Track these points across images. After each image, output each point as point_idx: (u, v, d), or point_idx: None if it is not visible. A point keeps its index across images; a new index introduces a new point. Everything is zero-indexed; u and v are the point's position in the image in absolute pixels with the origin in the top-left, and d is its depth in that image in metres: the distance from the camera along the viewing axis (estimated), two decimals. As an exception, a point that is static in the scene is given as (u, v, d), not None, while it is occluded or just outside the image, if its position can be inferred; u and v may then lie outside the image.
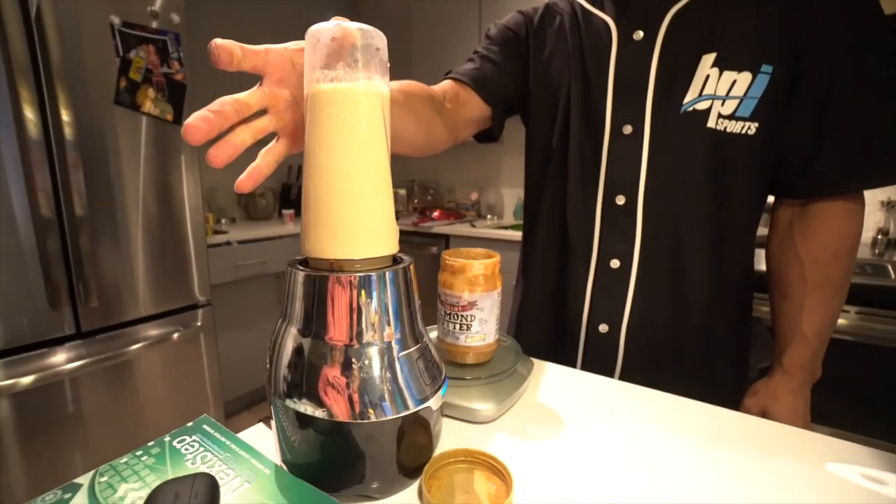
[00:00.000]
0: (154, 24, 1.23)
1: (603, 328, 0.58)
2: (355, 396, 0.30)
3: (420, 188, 2.81)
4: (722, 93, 0.49)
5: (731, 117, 0.49)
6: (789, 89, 0.49)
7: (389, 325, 0.32)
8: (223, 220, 2.21)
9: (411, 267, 0.35)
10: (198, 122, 0.28)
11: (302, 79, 0.32)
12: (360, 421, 0.30)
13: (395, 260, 0.35)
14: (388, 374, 0.31)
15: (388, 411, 0.31)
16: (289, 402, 0.31)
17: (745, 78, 0.48)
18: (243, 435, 0.40)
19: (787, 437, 0.40)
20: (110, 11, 1.16)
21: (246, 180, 0.33)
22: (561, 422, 0.42)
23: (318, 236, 0.31)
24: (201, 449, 0.35)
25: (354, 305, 0.31)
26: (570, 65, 0.58)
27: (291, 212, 2.25)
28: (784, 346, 0.56)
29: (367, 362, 0.31)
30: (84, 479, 0.31)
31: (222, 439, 0.36)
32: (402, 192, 2.83)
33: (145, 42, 1.20)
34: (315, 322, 0.31)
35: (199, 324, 1.52)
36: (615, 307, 0.57)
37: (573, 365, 0.59)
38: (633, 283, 0.55)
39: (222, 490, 0.30)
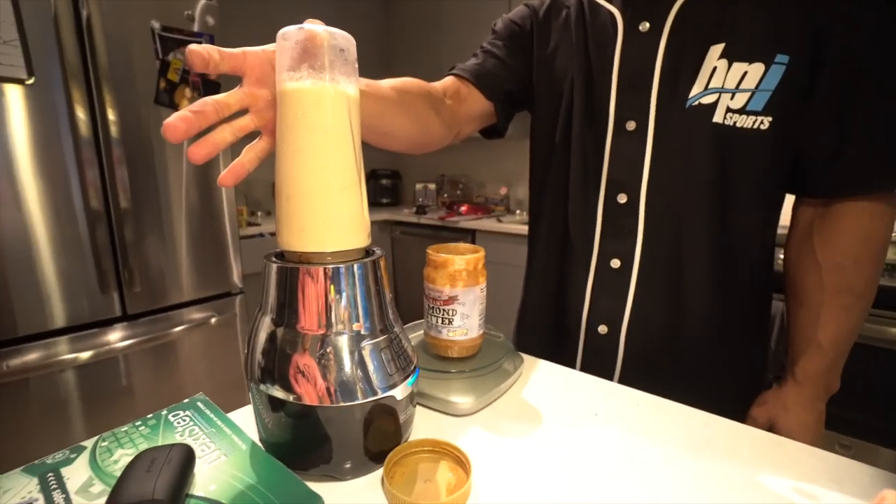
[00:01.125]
0: (191, 28, 1.31)
1: (602, 329, 0.57)
2: (322, 382, 0.32)
3: (449, 182, 2.82)
4: (731, 85, 0.47)
5: (741, 111, 0.47)
6: (808, 81, 0.46)
7: (357, 315, 0.34)
8: (259, 213, 2.32)
9: (381, 260, 0.36)
10: (176, 121, 0.30)
11: None
12: (326, 405, 0.32)
13: (367, 253, 0.37)
14: (355, 362, 0.33)
15: (353, 397, 0.33)
16: (262, 387, 0.33)
17: (756, 69, 0.45)
18: (236, 413, 0.42)
19: (780, 451, 0.38)
20: (151, 17, 1.24)
21: (227, 175, 0.35)
22: (539, 420, 0.43)
23: (289, 231, 0.33)
24: (191, 423, 0.38)
25: (323, 296, 0.33)
26: (574, 59, 0.56)
27: (323, 205, 2.32)
28: (797, 355, 0.54)
29: (334, 350, 0.33)
30: (89, 443, 0.35)
31: (211, 416, 0.39)
32: (432, 186, 2.85)
33: (183, 44, 1.27)
34: (287, 312, 0.33)
35: (235, 310, 1.61)
36: (615, 308, 0.56)
37: (573, 365, 0.59)
38: (634, 284, 0.54)
39: (200, 461, 0.33)
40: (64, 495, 0.29)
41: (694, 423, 0.42)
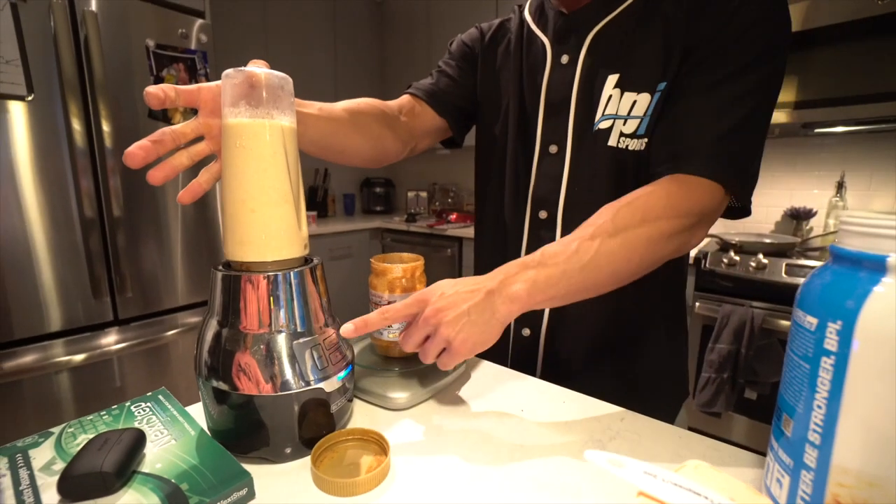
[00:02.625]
0: (186, 45, 1.38)
1: (525, 332, 0.62)
2: (260, 374, 0.37)
3: (441, 191, 2.88)
4: (623, 112, 0.51)
5: (632, 136, 0.51)
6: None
7: (293, 316, 0.39)
8: (254, 220, 2.37)
9: (318, 269, 0.41)
10: (135, 149, 0.36)
11: None
12: (263, 394, 0.37)
13: (306, 261, 0.41)
14: (290, 357, 0.38)
15: (287, 387, 0.37)
16: (208, 381, 0.38)
17: (644, 98, 0.50)
18: (193, 407, 0.47)
19: (682, 442, 0.43)
20: (147, 35, 1.31)
21: (185, 193, 0.40)
22: (469, 414, 0.47)
23: (232, 243, 0.38)
24: (150, 413, 0.42)
25: (265, 300, 0.38)
26: (511, 84, 0.62)
27: (314, 213, 2.37)
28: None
29: (272, 347, 0.37)
30: (56, 429, 0.40)
31: (169, 407, 0.44)
32: (424, 194, 2.91)
33: (176, 61, 1.34)
34: (230, 314, 0.38)
35: (223, 315, 1.66)
36: (535, 313, 0.60)
37: (504, 364, 0.63)
38: None
39: (152, 444, 0.37)
40: (28, 472, 0.34)
41: (611, 419, 0.47)
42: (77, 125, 1.22)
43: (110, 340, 1.37)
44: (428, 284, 0.52)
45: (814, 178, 1.74)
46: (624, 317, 0.58)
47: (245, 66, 0.39)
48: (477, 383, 0.54)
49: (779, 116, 1.45)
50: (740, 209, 0.51)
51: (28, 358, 1.23)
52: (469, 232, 2.13)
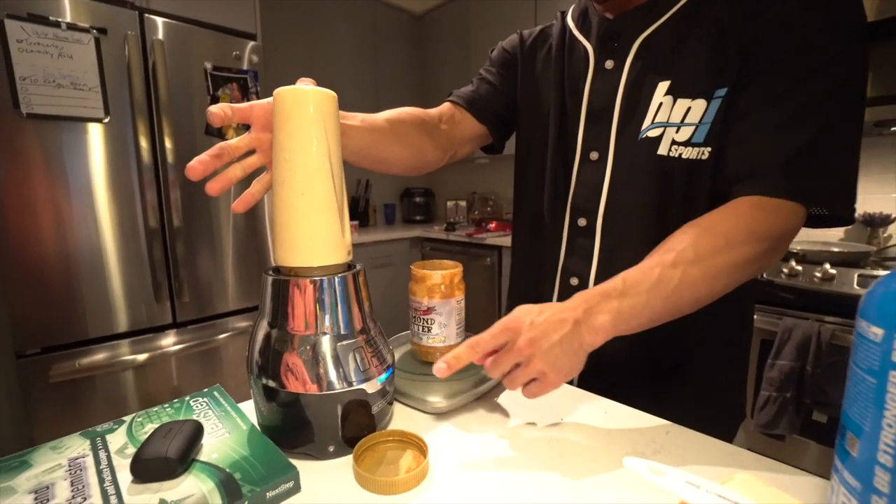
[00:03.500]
0: (239, 66, 1.48)
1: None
2: (304, 374, 0.39)
3: (480, 200, 2.88)
4: (676, 119, 0.50)
5: (686, 143, 0.49)
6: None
7: (337, 319, 0.40)
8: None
9: (361, 274, 0.43)
10: (196, 164, 0.39)
11: None
12: (308, 393, 0.39)
13: (350, 267, 0.43)
14: (333, 359, 0.40)
15: (330, 387, 0.39)
16: (259, 379, 0.40)
17: (699, 105, 0.48)
18: (244, 403, 0.50)
19: (732, 458, 0.41)
20: (205, 59, 1.42)
21: (239, 203, 0.44)
22: (506, 421, 0.47)
23: (281, 249, 0.40)
24: (207, 408, 0.46)
25: (311, 303, 0.40)
26: (551, 90, 0.61)
27: (356, 223, 2.45)
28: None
29: (317, 348, 0.39)
30: (128, 418, 0.44)
31: (223, 403, 0.47)
32: (463, 203, 2.93)
33: (230, 81, 1.44)
34: (279, 316, 0.40)
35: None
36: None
37: None
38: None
39: (208, 435, 0.40)
40: (106, 454, 0.38)
41: (655, 432, 0.45)
42: (144, 143, 1.33)
43: (169, 342, 1.48)
44: (465, 292, 0.53)
45: (891, 180, 1.60)
46: (675, 326, 0.56)
47: (294, 83, 0.42)
48: (516, 391, 0.53)
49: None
50: (838, 217, 0.47)
51: (100, 356, 1.35)
52: (508, 241, 2.12)
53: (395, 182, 3.09)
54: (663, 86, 0.51)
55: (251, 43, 1.55)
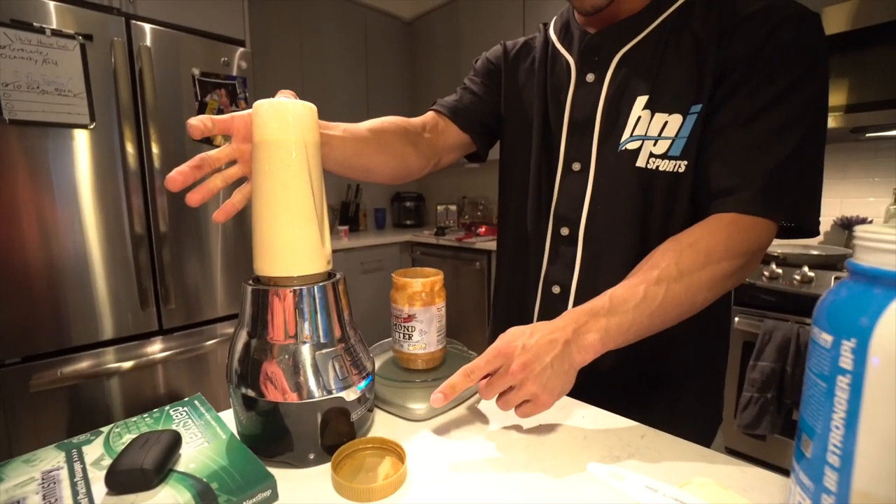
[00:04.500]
0: (227, 72, 1.48)
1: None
2: (284, 383, 0.39)
3: (470, 204, 2.90)
4: (653, 133, 0.51)
5: (663, 156, 0.51)
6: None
7: (317, 328, 0.41)
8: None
9: (340, 284, 0.43)
10: (175, 175, 0.40)
11: None
12: (286, 402, 0.39)
13: (330, 276, 0.44)
14: (312, 367, 0.40)
15: (309, 395, 0.39)
16: (238, 388, 0.41)
17: (675, 120, 0.50)
18: (224, 413, 0.50)
19: (721, 466, 0.41)
20: (194, 65, 1.41)
21: (219, 213, 0.44)
22: (486, 427, 0.48)
23: (260, 259, 0.41)
24: (186, 417, 0.46)
25: (290, 312, 0.40)
26: (534, 102, 0.63)
27: (346, 228, 2.45)
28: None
29: (296, 357, 0.40)
30: (106, 429, 0.44)
31: (203, 412, 0.47)
32: (453, 207, 2.94)
33: (219, 87, 1.44)
34: (259, 326, 0.41)
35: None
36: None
37: None
38: (571, 308, 0.58)
39: (187, 445, 0.40)
40: (81, 465, 0.38)
41: (630, 436, 0.46)
42: (131, 148, 1.33)
43: (155, 349, 1.46)
44: (447, 298, 0.54)
45: (868, 184, 1.64)
46: (654, 335, 0.57)
47: (275, 94, 0.43)
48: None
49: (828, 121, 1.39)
50: (802, 228, 0.50)
51: (84, 364, 1.33)
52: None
53: (386, 187, 3.09)
54: (641, 100, 0.52)
55: (240, 49, 1.55)
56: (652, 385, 0.58)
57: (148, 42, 1.36)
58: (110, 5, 1.37)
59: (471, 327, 2.33)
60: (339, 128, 0.54)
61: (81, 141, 1.27)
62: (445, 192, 3.15)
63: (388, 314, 2.56)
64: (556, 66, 0.62)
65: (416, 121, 0.67)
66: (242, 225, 1.64)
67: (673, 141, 0.51)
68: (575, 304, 0.58)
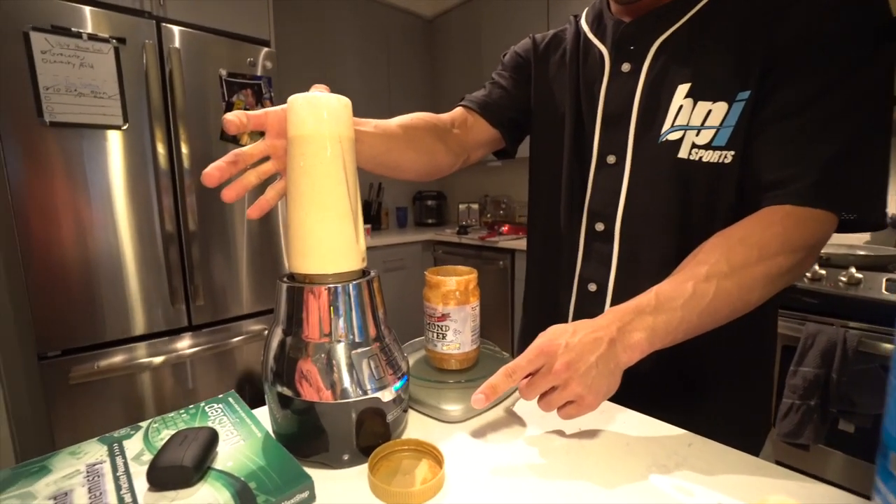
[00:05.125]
0: (253, 72, 1.50)
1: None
2: (319, 382, 0.39)
3: (492, 203, 2.87)
4: (696, 123, 0.49)
5: (707, 147, 0.48)
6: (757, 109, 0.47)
7: (352, 327, 0.40)
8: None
9: (375, 281, 0.42)
10: (212, 170, 0.39)
11: None
12: (322, 401, 0.38)
13: (364, 274, 0.43)
14: (348, 367, 0.39)
15: (345, 395, 0.39)
16: (273, 386, 0.40)
17: (720, 108, 0.47)
18: (258, 410, 0.50)
19: (761, 472, 0.39)
20: (221, 66, 1.44)
21: (253, 209, 0.44)
22: (523, 431, 0.46)
23: (295, 256, 0.40)
24: (222, 414, 0.46)
25: (325, 310, 0.39)
26: (566, 94, 0.61)
27: (368, 226, 2.46)
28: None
29: (331, 356, 0.39)
30: (144, 424, 0.44)
31: (238, 409, 0.46)
32: (475, 206, 2.92)
33: (245, 87, 1.46)
34: (294, 323, 0.40)
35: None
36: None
37: None
38: (608, 306, 0.56)
39: (223, 442, 0.40)
40: (123, 460, 0.38)
41: (676, 444, 0.44)
42: (161, 149, 1.36)
43: (184, 345, 1.49)
44: (480, 297, 0.52)
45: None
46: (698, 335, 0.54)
47: (308, 90, 0.42)
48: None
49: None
50: (866, 221, 0.45)
51: (117, 358, 1.37)
52: (521, 244, 2.10)
53: (408, 185, 3.10)
54: (683, 88, 0.50)
55: (265, 49, 1.57)
56: (694, 388, 0.56)
57: (177, 44, 1.39)
58: (142, 9, 1.40)
59: (494, 327, 2.31)
60: (369, 124, 0.53)
61: (115, 141, 1.31)
62: (467, 190, 3.14)
63: (410, 313, 2.56)
64: (588, 58, 0.59)
65: (445, 117, 0.65)
66: (268, 224, 1.66)
67: (718, 130, 0.48)
68: (613, 303, 0.56)
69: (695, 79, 0.49)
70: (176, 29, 1.39)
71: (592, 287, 0.58)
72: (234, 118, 0.40)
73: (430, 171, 0.62)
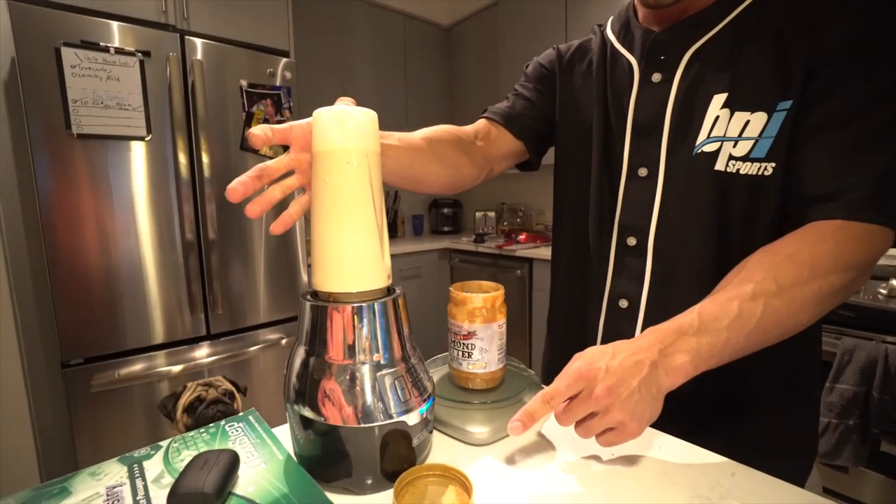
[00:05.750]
0: (273, 83, 1.51)
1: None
2: (344, 405, 0.37)
3: (509, 211, 2.85)
4: (733, 133, 0.46)
5: (744, 158, 0.46)
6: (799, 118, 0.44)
7: (377, 347, 0.39)
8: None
9: (400, 299, 0.41)
10: (237, 185, 0.39)
11: None
12: (345, 425, 0.37)
13: (389, 291, 0.42)
14: (373, 389, 0.38)
15: (370, 419, 0.37)
16: (296, 407, 0.39)
17: (759, 118, 0.45)
18: (279, 429, 0.49)
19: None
20: (241, 77, 1.46)
21: (277, 225, 0.43)
22: (553, 455, 0.44)
23: (319, 274, 0.39)
24: (242, 434, 0.44)
25: (349, 330, 0.38)
26: (593, 105, 0.59)
27: (385, 234, 2.45)
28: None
29: (356, 378, 0.38)
30: (165, 443, 0.43)
31: (259, 429, 0.45)
32: (492, 214, 2.90)
33: (265, 97, 1.47)
34: (317, 343, 0.39)
35: (300, 332, 1.76)
36: (626, 334, 0.55)
37: None
38: (641, 324, 0.54)
39: (244, 465, 0.39)
40: (143, 483, 0.37)
41: (719, 473, 0.41)
42: (183, 158, 1.38)
43: (203, 353, 1.50)
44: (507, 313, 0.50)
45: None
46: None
47: (326, 99, 0.41)
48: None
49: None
50: None
51: (138, 366, 1.39)
52: (539, 252, 2.08)
53: (424, 194, 3.09)
54: (719, 98, 0.47)
55: (284, 60, 1.59)
56: (735, 410, 0.53)
57: (199, 56, 1.41)
58: (166, 22, 1.43)
59: (512, 337, 2.27)
60: (393, 137, 0.52)
61: (138, 152, 1.33)
62: (483, 198, 3.12)
63: (426, 322, 2.55)
64: (615, 68, 0.58)
65: (469, 129, 0.64)
66: (286, 232, 1.67)
67: (756, 141, 0.46)
68: (645, 320, 0.54)
69: (732, 88, 0.47)
70: (199, 41, 1.41)
71: (624, 303, 0.55)
72: (260, 133, 0.39)
73: (455, 184, 0.61)
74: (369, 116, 0.38)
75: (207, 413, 0.98)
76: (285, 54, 1.68)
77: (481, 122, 0.66)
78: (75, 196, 1.26)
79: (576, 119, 0.62)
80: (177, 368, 1.43)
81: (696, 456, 0.43)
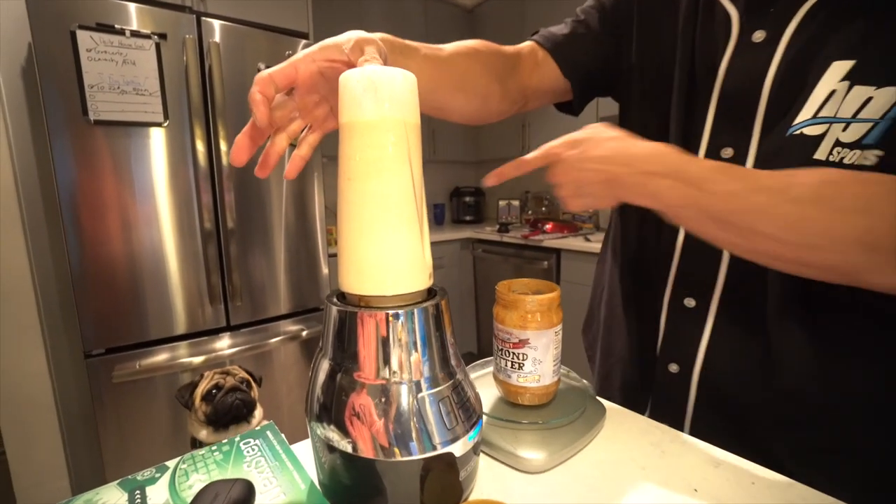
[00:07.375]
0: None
1: (673, 368, 0.49)
2: (379, 433, 0.31)
3: (534, 199, 2.75)
4: (846, 114, 0.36)
5: (854, 145, 0.36)
6: None
7: (417, 362, 0.32)
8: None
9: (444, 303, 0.34)
10: (237, 150, 0.35)
11: (331, 83, 0.36)
12: (381, 458, 0.31)
13: (429, 293, 0.35)
14: (413, 414, 0.31)
15: (410, 452, 0.31)
16: (319, 431, 0.33)
17: (886, 95, 0.35)
18: (299, 445, 0.43)
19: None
20: (259, 60, 1.40)
21: (290, 169, 0.39)
22: (623, 488, 0.37)
23: (348, 272, 0.32)
24: (259, 454, 0.39)
25: (381, 342, 0.31)
26: (675, 65, 0.49)
27: (406, 223, 2.39)
28: None
29: (392, 401, 0.31)
30: (171, 464, 0.38)
31: (277, 448, 0.39)
32: (516, 203, 2.80)
33: (285, 81, 1.41)
34: (345, 357, 0.32)
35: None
36: (687, 341, 0.48)
37: (643, 406, 0.52)
38: (711, 323, 0.46)
39: (261, 497, 0.33)
40: (143, 517, 0.31)
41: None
42: (200, 146, 1.33)
43: (224, 345, 1.48)
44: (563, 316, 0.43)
45: None
46: (838, 353, 0.41)
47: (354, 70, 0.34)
48: (628, 446, 0.43)
49: None
50: None
51: (160, 357, 1.37)
52: (567, 243, 1.98)
53: (445, 181, 3.02)
54: (841, 67, 0.37)
55: (303, 42, 1.52)
56: (841, 446, 0.43)
57: (217, 38, 1.35)
58: (183, 4, 1.38)
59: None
60: (419, 52, 0.44)
61: (157, 139, 1.29)
62: (506, 186, 3.02)
63: (452, 316, 2.53)
64: (709, 19, 0.47)
65: (510, 51, 0.55)
66: (306, 220, 1.62)
67: (875, 124, 0.35)
68: (716, 322, 0.46)
69: (861, 55, 0.36)
70: (216, 23, 1.36)
71: (691, 303, 0.47)
72: (260, 85, 0.33)
73: (480, 117, 0.54)
74: (408, 79, 0.31)
75: (226, 401, 0.95)
76: (304, 36, 1.61)
77: (527, 45, 0.57)
78: (95, 184, 1.23)
79: (651, 77, 0.52)
80: (198, 360, 1.41)
81: (797, 496, 0.36)
